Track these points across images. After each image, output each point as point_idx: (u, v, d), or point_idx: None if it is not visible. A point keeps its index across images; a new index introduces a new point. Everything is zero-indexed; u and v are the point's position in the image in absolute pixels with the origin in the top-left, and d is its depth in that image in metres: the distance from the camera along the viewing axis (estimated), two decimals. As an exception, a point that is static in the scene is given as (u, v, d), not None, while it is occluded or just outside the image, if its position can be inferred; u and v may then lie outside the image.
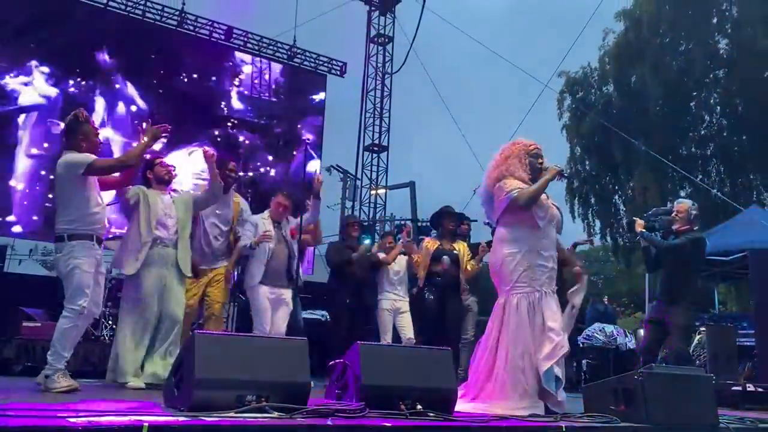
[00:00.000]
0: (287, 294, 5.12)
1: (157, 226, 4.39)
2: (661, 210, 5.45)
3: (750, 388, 5.76)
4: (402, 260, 6.25)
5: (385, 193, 14.20)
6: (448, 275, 5.78)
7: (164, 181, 4.62)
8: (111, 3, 10.98)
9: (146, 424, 2.00)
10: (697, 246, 4.99)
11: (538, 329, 3.62)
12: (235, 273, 5.36)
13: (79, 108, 4.07)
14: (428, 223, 13.70)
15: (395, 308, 6.15)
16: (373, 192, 13.88)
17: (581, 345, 8.51)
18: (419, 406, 2.94)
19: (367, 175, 13.91)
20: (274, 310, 5.09)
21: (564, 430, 2.93)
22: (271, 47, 12.79)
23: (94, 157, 3.82)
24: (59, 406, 2.54)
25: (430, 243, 6.04)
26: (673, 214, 5.11)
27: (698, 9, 15.74)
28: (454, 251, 5.89)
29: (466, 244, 6.12)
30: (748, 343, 7.45)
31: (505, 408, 3.40)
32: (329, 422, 2.43)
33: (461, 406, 3.40)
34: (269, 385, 2.70)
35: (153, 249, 4.34)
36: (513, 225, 3.82)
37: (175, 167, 4.77)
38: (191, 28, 11.90)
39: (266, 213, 5.33)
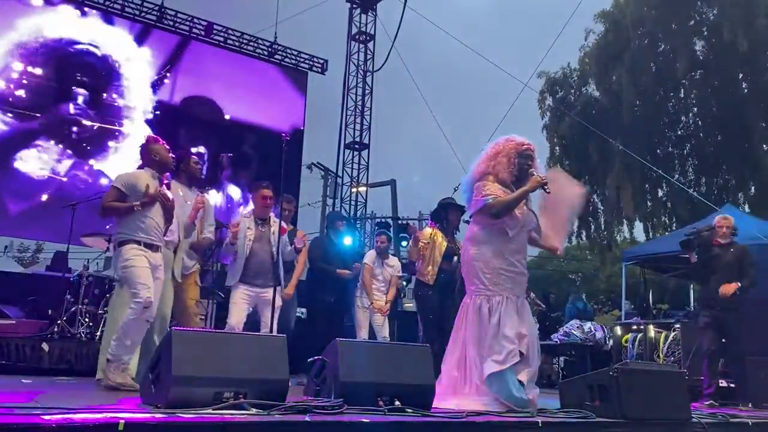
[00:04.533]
0: (271, 293, 4.74)
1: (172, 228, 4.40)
2: (700, 228, 6.13)
3: (722, 384, 5.87)
4: (395, 262, 6.42)
5: (366, 190, 14.19)
6: (450, 272, 5.53)
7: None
8: (88, -2, 10.83)
9: (122, 421, 1.98)
10: None
11: (492, 331, 3.62)
12: (214, 270, 5.31)
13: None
14: (407, 222, 13.77)
15: (371, 307, 6.21)
16: (354, 190, 13.87)
17: (558, 341, 8.60)
18: (397, 402, 2.96)
19: (348, 173, 13.89)
20: (259, 310, 4.97)
21: (540, 425, 2.97)
22: (251, 44, 12.70)
23: (112, 193, 4.02)
24: (32, 402, 2.51)
25: (437, 234, 5.60)
26: (719, 227, 5.67)
27: (677, 11, 15.94)
28: (459, 248, 5.58)
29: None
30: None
31: (471, 403, 3.45)
32: (307, 418, 2.43)
33: (439, 401, 3.43)
34: (247, 381, 2.70)
35: (165, 251, 4.34)
36: (484, 226, 3.81)
37: None
38: (171, 23, 11.77)
39: (248, 211, 5.22)
